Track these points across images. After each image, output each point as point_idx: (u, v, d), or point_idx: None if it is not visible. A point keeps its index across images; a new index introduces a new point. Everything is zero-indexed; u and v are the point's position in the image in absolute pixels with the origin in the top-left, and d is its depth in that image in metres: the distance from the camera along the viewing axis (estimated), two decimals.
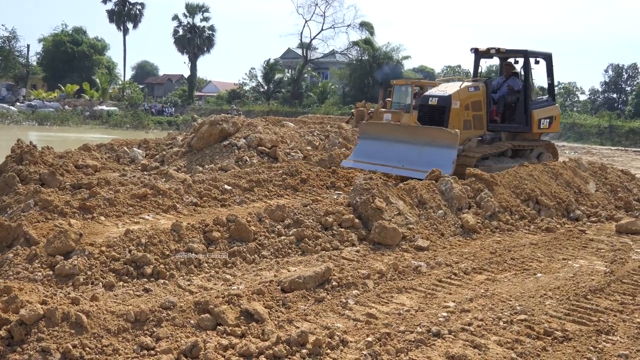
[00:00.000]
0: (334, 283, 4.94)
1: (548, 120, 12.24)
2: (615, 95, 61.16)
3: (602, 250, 6.82)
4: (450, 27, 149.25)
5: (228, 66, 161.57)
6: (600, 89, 61.05)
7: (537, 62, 12.01)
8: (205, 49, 62.56)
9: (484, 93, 11.42)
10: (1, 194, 7.87)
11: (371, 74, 43.61)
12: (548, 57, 12.34)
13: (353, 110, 23.72)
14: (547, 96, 13.02)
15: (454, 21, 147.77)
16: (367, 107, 22.35)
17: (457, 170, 9.32)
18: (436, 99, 11.15)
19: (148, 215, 6.73)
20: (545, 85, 13.19)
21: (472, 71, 12.90)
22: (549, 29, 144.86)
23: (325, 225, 6.51)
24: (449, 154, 9.75)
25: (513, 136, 12.01)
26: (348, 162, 10.79)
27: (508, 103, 12.06)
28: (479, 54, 12.46)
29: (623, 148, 32.14)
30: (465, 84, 11.54)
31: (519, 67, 12.36)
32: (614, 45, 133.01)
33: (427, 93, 11.99)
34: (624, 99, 60.66)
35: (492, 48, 11.97)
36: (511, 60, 12.48)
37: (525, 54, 11.98)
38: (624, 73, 63.18)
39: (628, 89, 61.49)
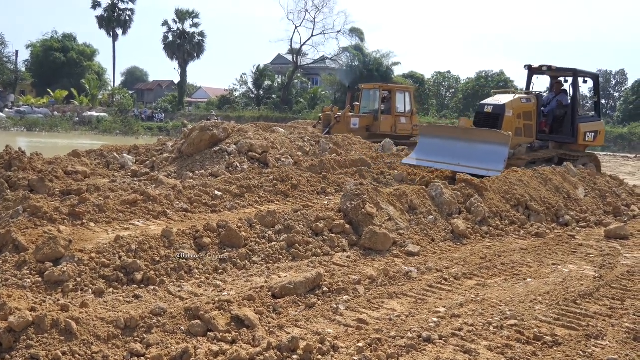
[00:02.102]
0: (325, 289, 4.93)
1: (593, 134, 13.54)
2: (603, 101, 61.77)
3: (591, 255, 6.85)
4: (441, 33, 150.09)
5: (218, 72, 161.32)
6: (588, 95, 61.55)
7: (585, 82, 13.57)
8: (195, 55, 62.39)
9: (535, 105, 12.79)
10: None
11: (362, 80, 43.71)
12: (595, 77, 13.89)
13: (320, 115, 23.62)
14: (593, 112, 14.48)
15: (444, 27, 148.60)
16: (334, 112, 22.26)
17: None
18: (491, 107, 12.51)
19: (138, 222, 6.69)
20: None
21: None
22: (537, 34, 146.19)
23: (316, 231, 6.51)
24: (502, 152, 10.69)
25: (560, 146, 13.27)
26: (409, 160, 11.90)
27: (557, 116, 13.43)
28: (532, 71, 13.87)
29: (611, 154, 32.37)
30: (518, 95, 12.95)
31: (567, 85, 13.73)
32: (602, 52, 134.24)
33: (482, 102, 13.28)
34: (612, 105, 61.22)
35: (544, 66, 13.40)
36: (561, 78, 13.84)
37: (575, 73, 13.38)
38: (612, 79, 63.79)
39: (616, 95, 62.07)
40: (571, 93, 13.56)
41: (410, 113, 22.21)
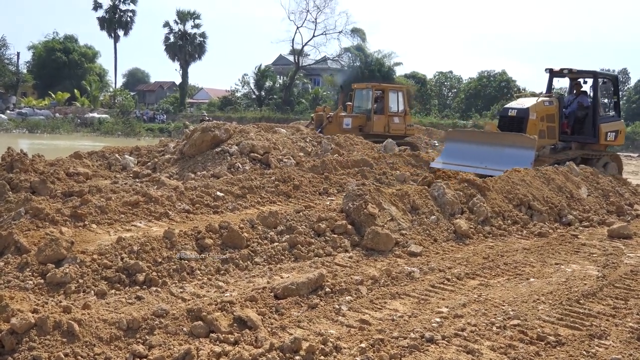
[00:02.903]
0: (327, 289, 4.91)
1: (614, 133, 13.98)
2: (606, 101, 61.49)
3: (594, 255, 6.82)
4: (442, 33, 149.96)
5: (220, 73, 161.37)
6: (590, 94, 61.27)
7: (604, 83, 14.08)
8: (197, 56, 62.48)
9: (557, 107, 13.30)
10: None
11: (364, 81, 43.74)
12: (614, 79, 14.62)
13: (312, 115, 23.54)
14: (613, 112, 14.84)
15: (446, 27, 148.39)
16: (326, 112, 22.18)
17: None
18: (515, 110, 13.01)
19: (140, 223, 6.69)
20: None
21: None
22: (540, 33, 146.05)
23: (318, 231, 6.49)
24: (528, 155, 11.23)
25: (582, 146, 13.71)
26: (437, 164, 12.28)
27: (578, 117, 13.86)
28: (552, 74, 14.39)
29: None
30: (541, 98, 13.38)
31: (586, 87, 14.25)
32: (605, 51, 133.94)
33: (506, 106, 13.79)
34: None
35: (564, 69, 13.93)
36: (580, 80, 14.33)
37: (595, 75, 13.90)
38: None
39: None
40: (592, 94, 13.98)
41: (403, 113, 22.04)
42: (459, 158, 12.10)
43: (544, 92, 14.61)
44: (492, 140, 12.28)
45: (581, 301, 5.00)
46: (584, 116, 13.87)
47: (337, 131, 18.15)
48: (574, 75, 14.28)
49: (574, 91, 14.38)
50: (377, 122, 21.22)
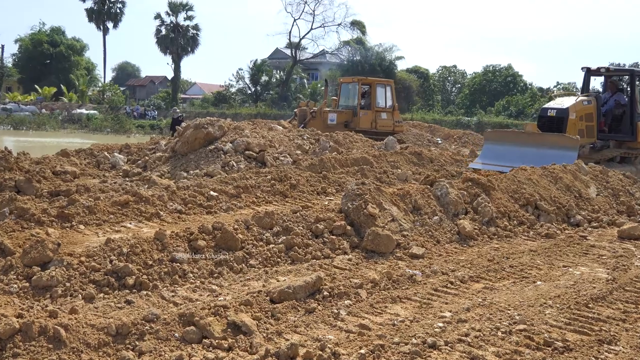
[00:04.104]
0: (325, 293, 4.88)
1: None
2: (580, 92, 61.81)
3: (603, 257, 6.77)
4: (445, 27, 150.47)
5: (213, 67, 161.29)
6: (601, 89, 61.22)
7: None
8: (190, 49, 62.13)
9: (595, 106, 13.72)
10: None
11: (365, 75, 43.70)
12: None
13: (296, 110, 23.31)
14: None
15: (449, 20, 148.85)
16: (310, 107, 22.00)
17: None
18: (555, 110, 13.47)
19: (130, 224, 6.59)
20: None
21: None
22: (547, 29, 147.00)
23: (316, 232, 6.43)
24: (571, 156, 11.42)
25: (619, 144, 14.26)
26: (476, 164, 12.65)
27: (615, 115, 14.34)
28: (589, 72, 14.86)
29: None
30: (580, 98, 13.88)
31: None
32: (615, 45, 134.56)
33: (545, 106, 14.35)
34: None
35: (601, 67, 14.57)
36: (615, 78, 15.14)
37: (632, 73, 14.66)
38: None
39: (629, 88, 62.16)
40: (629, 93, 14.53)
41: (391, 108, 21.87)
42: (499, 159, 12.43)
43: (580, 90, 15.56)
44: (534, 141, 12.65)
45: (590, 305, 4.94)
46: (621, 114, 14.28)
47: (321, 127, 17.92)
48: (611, 74, 14.78)
49: (609, 89, 14.88)
50: (363, 118, 21.00)
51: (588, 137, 13.49)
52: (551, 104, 14.08)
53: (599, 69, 14.49)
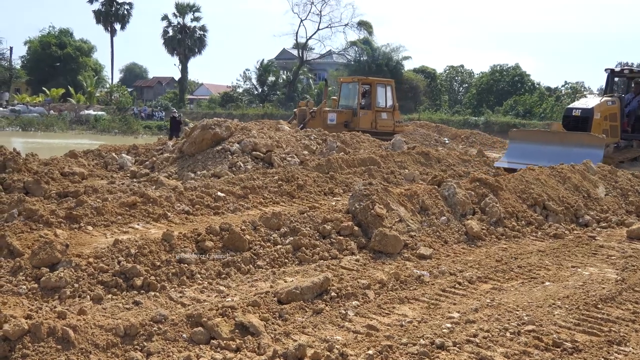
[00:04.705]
0: (333, 294, 4.86)
1: None
2: (604, 92, 61.27)
3: (612, 257, 6.71)
4: (452, 26, 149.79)
5: (220, 68, 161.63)
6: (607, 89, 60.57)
7: None
8: (197, 50, 62.23)
9: (619, 106, 14.04)
10: None
11: (371, 75, 43.62)
12: None
13: (295, 110, 23.21)
14: None
15: (456, 20, 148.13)
16: (309, 106, 21.91)
17: None
18: (580, 110, 13.79)
19: (138, 225, 6.61)
20: None
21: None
22: (555, 26, 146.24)
23: (323, 233, 6.42)
24: (597, 154, 11.83)
25: None
26: (502, 163, 12.99)
27: (638, 116, 14.70)
28: (613, 74, 15.27)
29: None
30: (605, 98, 14.20)
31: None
32: (623, 43, 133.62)
33: (570, 106, 14.72)
34: None
35: (625, 68, 15.53)
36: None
37: None
38: None
39: None
40: None
41: (392, 108, 21.76)
42: (525, 157, 12.63)
43: (603, 91, 15.82)
44: (560, 140, 12.95)
45: (599, 306, 4.90)
46: None
47: (320, 127, 17.82)
48: (634, 75, 15.14)
49: (633, 90, 15.17)
50: (363, 118, 20.90)
51: (612, 137, 13.71)
52: (576, 104, 14.46)
53: (622, 70, 14.98)
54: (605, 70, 15.06)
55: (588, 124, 13.29)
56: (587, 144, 12.29)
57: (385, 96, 21.78)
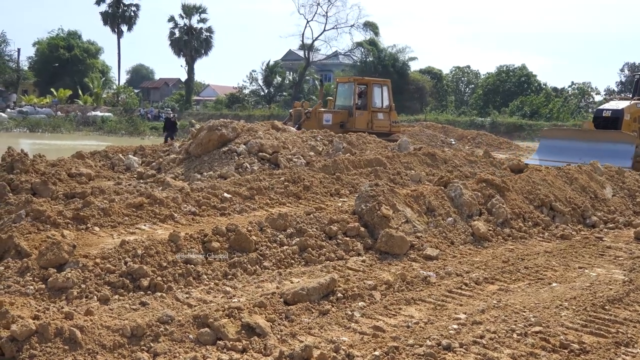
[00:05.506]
0: (339, 295, 4.86)
1: None
2: (632, 96, 60.80)
3: (620, 258, 6.69)
4: (458, 27, 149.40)
5: (227, 69, 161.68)
6: (616, 89, 59.84)
7: None
8: (203, 52, 62.19)
9: None
10: None
11: (377, 76, 43.56)
12: None
13: (291, 111, 23.13)
14: None
15: (461, 20, 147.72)
16: (304, 107, 21.84)
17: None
18: (610, 111, 14.38)
19: (144, 226, 6.60)
20: None
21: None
22: (562, 26, 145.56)
23: (330, 234, 6.41)
24: (629, 150, 12.40)
25: None
26: (533, 161, 13.40)
27: None
28: None
29: None
30: (634, 101, 14.82)
31: None
32: (630, 44, 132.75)
33: (600, 107, 15.54)
34: None
35: None
36: None
37: None
38: None
39: None
40: None
41: (388, 108, 21.64)
42: (555, 154, 13.15)
43: (632, 94, 16.16)
44: (591, 137, 13.39)
45: (606, 307, 4.89)
46: None
47: (315, 128, 17.73)
48: None
49: None
50: (359, 119, 20.79)
51: None
52: (606, 106, 15.10)
53: None
54: (634, 75, 15.86)
55: (618, 124, 13.74)
56: (618, 140, 12.70)
57: (381, 96, 21.69)
